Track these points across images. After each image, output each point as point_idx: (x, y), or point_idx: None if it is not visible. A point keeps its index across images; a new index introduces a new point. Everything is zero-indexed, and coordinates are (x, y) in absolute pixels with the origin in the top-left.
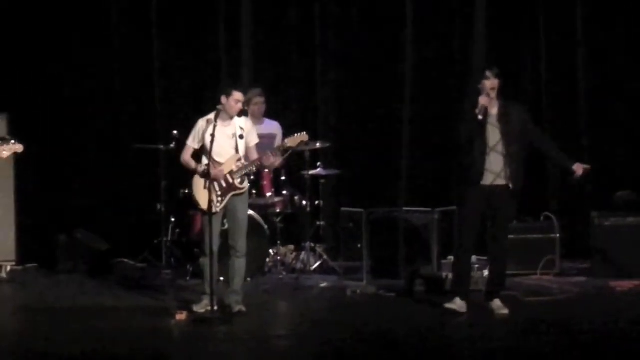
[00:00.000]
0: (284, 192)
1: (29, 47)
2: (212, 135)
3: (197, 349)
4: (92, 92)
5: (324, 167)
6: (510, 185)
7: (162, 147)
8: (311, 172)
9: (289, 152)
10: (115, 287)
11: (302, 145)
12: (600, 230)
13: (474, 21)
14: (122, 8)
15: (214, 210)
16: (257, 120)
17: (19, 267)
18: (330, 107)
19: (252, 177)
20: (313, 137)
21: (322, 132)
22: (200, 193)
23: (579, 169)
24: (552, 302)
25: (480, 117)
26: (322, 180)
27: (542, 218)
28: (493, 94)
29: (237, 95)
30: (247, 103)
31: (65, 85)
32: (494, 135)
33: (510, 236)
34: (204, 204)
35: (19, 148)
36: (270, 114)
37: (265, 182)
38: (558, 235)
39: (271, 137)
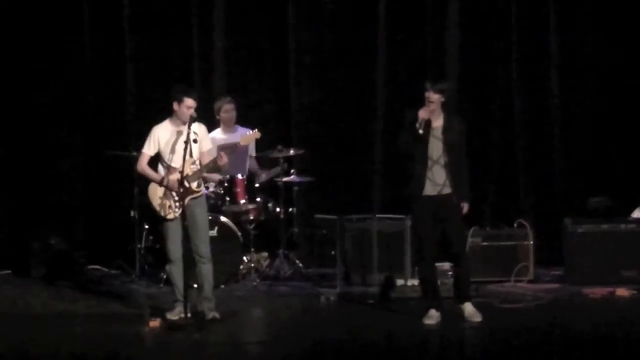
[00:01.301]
0: (258, 199)
1: None
2: (186, 142)
3: (171, 356)
4: (65, 97)
5: (298, 174)
6: (454, 197)
7: (134, 153)
8: (285, 179)
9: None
10: (89, 294)
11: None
12: (574, 237)
13: (447, 28)
14: (94, 14)
15: (172, 215)
16: (229, 128)
17: None
18: (304, 114)
19: (225, 184)
20: (286, 144)
21: (296, 139)
22: (157, 200)
23: (464, 208)
24: (525, 309)
25: (420, 131)
26: (296, 187)
27: (515, 225)
28: (433, 107)
29: (189, 102)
30: (217, 112)
31: (37, 90)
32: (436, 147)
33: (484, 243)
34: (162, 211)
35: None
36: (243, 121)
37: (238, 189)
38: (532, 242)
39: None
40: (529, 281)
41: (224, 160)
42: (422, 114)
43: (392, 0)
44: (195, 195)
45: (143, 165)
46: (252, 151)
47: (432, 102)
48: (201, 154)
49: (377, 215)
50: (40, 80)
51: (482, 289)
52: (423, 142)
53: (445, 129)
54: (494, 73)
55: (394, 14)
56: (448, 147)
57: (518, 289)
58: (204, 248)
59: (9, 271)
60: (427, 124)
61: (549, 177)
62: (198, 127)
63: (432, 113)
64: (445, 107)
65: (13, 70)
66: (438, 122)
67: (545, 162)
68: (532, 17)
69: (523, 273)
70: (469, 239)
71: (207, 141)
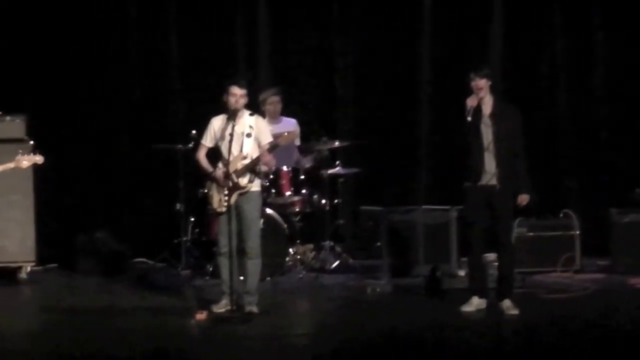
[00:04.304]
0: (303, 191)
1: (45, 48)
2: (231, 135)
3: (217, 348)
4: (110, 92)
5: (343, 166)
6: (498, 186)
7: (180, 146)
8: (330, 170)
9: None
10: (135, 287)
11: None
12: (620, 227)
13: (492, 22)
14: (139, 9)
15: (220, 209)
16: (273, 119)
17: (39, 268)
18: (349, 106)
19: (271, 177)
20: (332, 136)
21: (341, 131)
22: (209, 191)
23: (523, 199)
24: (571, 299)
25: (469, 118)
26: (341, 179)
27: (561, 215)
28: (482, 94)
29: (233, 89)
30: (262, 102)
31: (83, 85)
32: (487, 134)
33: (530, 233)
34: (214, 203)
35: (39, 159)
36: (288, 112)
37: (284, 181)
38: (577, 232)
39: None
40: (575, 271)
41: (266, 158)
42: (470, 101)
43: None
44: (242, 190)
45: (200, 156)
46: (296, 140)
47: (480, 89)
48: (260, 147)
49: (423, 207)
50: (87, 75)
51: (528, 279)
52: (475, 130)
53: (494, 115)
54: (539, 63)
55: (437, 8)
56: (497, 134)
57: (564, 279)
58: (251, 244)
59: (55, 265)
60: (477, 110)
61: (595, 166)
62: (255, 121)
63: (482, 100)
64: (494, 92)
65: (60, 66)
66: (488, 109)
67: (591, 152)
68: (577, 23)
69: (569, 263)
70: (515, 230)
71: (265, 135)
